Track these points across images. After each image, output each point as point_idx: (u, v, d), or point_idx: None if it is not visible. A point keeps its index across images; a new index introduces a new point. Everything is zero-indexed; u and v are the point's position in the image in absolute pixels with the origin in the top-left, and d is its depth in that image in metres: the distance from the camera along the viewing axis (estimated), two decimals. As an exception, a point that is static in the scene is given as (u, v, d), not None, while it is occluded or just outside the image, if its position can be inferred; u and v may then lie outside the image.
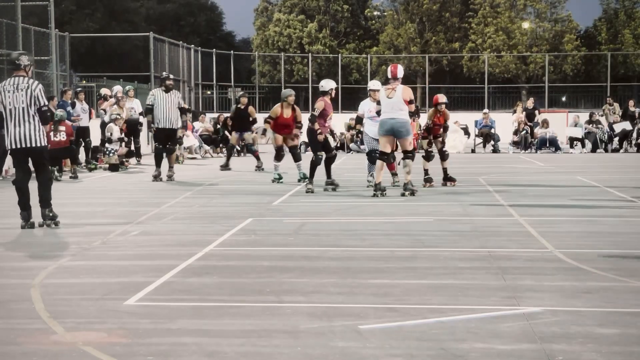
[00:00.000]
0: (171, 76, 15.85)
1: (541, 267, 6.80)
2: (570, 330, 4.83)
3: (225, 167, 17.88)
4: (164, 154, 15.20)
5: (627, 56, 44.69)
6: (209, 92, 35.44)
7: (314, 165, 12.77)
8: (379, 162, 12.00)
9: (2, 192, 13.79)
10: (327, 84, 12.93)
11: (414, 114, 12.42)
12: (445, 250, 7.62)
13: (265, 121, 14.69)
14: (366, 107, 13.55)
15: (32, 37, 19.82)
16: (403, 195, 11.83)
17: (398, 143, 12.32)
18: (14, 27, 18.18)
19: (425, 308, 5.41)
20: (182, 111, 15.45)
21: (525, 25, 46.13)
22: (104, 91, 20.83)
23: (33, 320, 5.19)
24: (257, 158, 17.87)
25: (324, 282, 6.24)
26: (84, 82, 26.43)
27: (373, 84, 13.68)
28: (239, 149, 21.47)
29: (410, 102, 11.90)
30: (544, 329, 4.85)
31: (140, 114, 20.72)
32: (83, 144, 18.89)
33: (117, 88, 20.28)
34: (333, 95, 12.89)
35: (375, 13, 51.88)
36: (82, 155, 19.06)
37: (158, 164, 15.17)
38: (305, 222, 9.55)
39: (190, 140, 22.58)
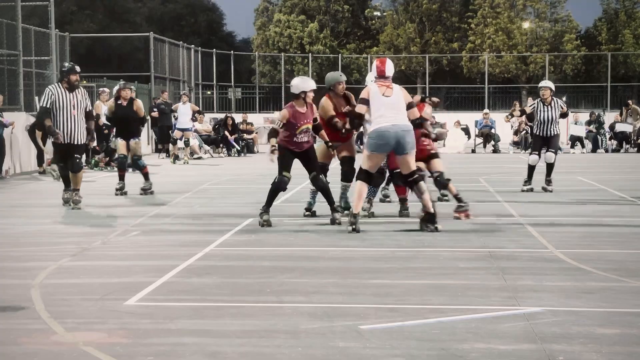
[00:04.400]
0: (77, 69, 11.36)
1: (541, 267, 6.79)
2: (570, 330, 4.83)
3: (121, 190, 12.91)
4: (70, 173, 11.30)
5: (628, 56, 44.64)
6: (209, 93, 35.45)
7: (274, 188, 9.30)
8: (360, 184, 8.74)
9: (2, 192, 13.80)
10: (302, 84, 9.33)
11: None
12: (445, 250, 7.61)
13: (317, 127, 9.46)
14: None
15: (32, 37, 19.84)
16: (427, 229, 8.67)
17: (398, 162, 9.00)
18: (14, 27, 18.19)
19: (425, 308, 5.40)
20: (88, 117, 11.34)
21: (525, 25, 46.10)
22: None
23: (33, 320, 5.19)
24: (146, 177, 13.04)
25: (324, 282, 6.24)
26: (84, 82, 26.45)
27: None
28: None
29: (410, 106, 9.00)
30: (544, 329, 4.85)
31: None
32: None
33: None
34: (310, 98, 9.32)
35: (375, 13, 51.86)
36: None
37: (67, 183, 11.50)
38: (305, 222, 9.54)
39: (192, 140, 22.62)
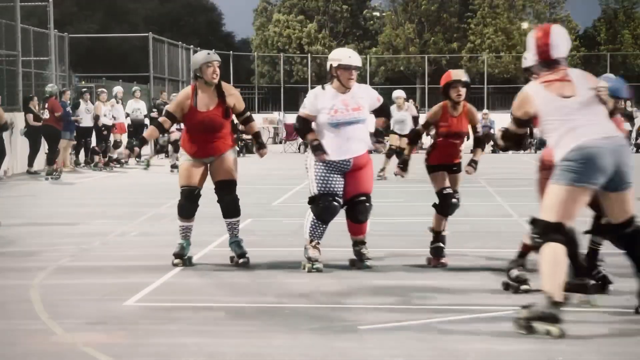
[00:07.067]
0: None
1: (541, 267, 6.78)
2: (570, 330, 4.83)
3: None
4: None
5: (627, 56, 44.65)
6: (208, 93, 35.41)
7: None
8: (553, 250, 4.94)
9: (2, 192, 13.79)
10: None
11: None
12: (445, 250, 7.59)
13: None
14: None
15: (31, 37, 19.83)
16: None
17: (604, 202, 5.17)
18: (13, 27, 18.18)
19: (425, 308, 5.40)
20: None
21: (525, 25, 46.11)
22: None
23: (32, 320, 5.18)
24: None
25: (323, 282, 6.24)
26: (84, 82, 26.44)
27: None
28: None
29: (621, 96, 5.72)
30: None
31: (146, 116, 20.69)
32: (84, 144, 18.99)
33: (118, 89, 20.30)
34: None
35: (374, 14, 51.87)
36: (82, 156, 19.17)
37: None
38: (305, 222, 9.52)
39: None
